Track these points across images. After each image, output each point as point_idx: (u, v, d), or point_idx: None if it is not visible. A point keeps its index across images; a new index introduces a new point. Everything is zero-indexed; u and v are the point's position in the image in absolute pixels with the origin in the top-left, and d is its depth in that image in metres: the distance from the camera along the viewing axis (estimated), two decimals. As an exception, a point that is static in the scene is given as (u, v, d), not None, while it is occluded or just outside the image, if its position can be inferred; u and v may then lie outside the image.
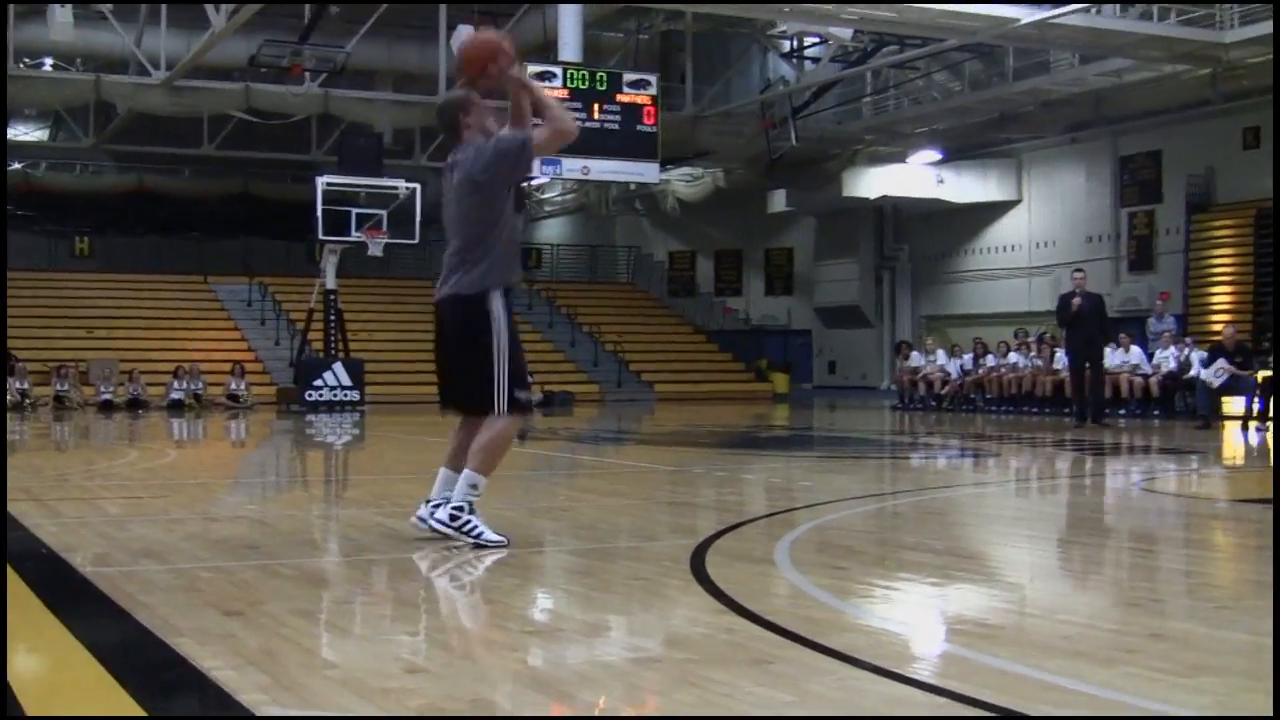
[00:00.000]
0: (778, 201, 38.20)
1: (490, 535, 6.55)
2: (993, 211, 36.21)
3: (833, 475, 12.23)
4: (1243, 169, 29.61)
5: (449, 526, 6.56)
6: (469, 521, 6.55)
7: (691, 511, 9.23)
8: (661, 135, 27.99)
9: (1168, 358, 23.38)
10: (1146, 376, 23.26)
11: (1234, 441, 17.50)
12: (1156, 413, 22.74)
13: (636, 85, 27.23)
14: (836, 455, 15.18)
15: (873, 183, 35.62)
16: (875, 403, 30.63)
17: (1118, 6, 24.50)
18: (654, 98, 27.29)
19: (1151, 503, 9.96)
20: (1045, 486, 11.72)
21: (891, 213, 39.09)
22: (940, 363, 28.02)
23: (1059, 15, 23.53)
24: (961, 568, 6.39)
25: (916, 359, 28.77)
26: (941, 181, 35.62)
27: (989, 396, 26.45)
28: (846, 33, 27.74)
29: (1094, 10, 23.90)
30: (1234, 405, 20.76)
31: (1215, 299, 29.54)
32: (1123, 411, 22.78)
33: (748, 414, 26.49)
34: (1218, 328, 25.68)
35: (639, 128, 27.15)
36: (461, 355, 6.65)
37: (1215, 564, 7.01)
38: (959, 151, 35.18)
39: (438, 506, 6.67)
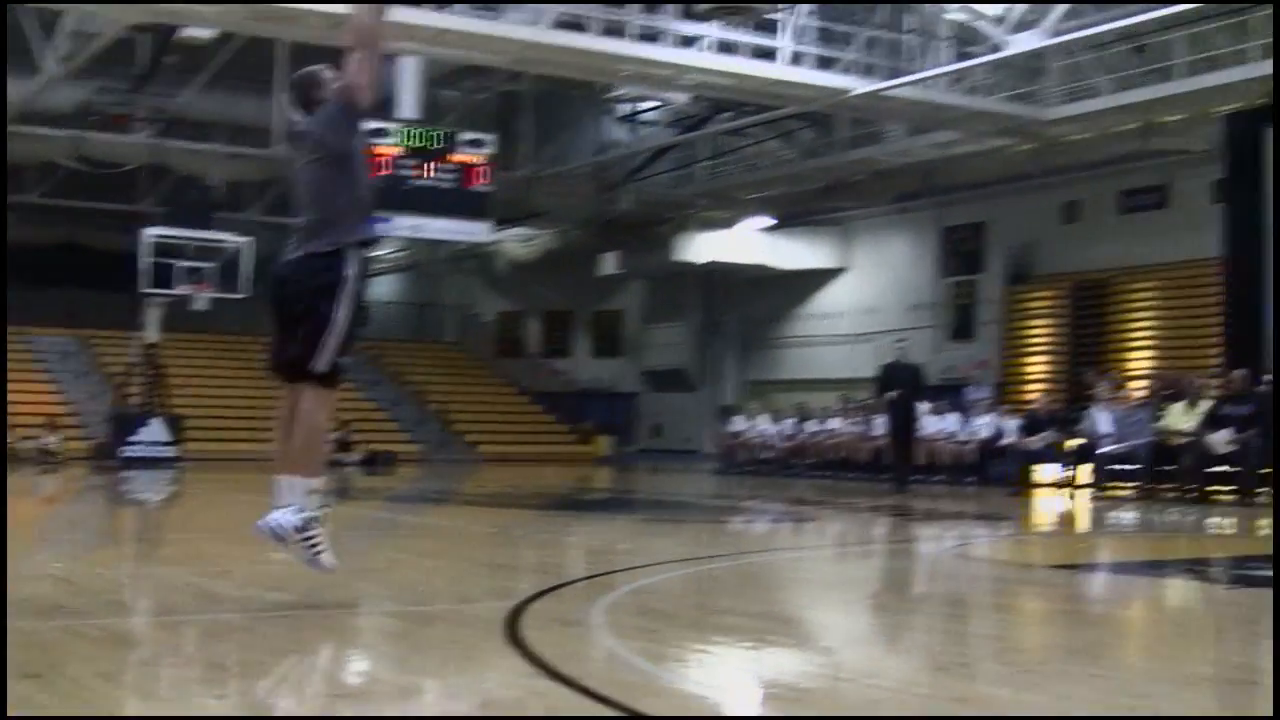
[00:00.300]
0: (609, 264, 38.33)
1: (328, 561, 6.45)
2: (819, 278, 36.75)
3: (652, 538, 12.27)
4: (1061, 242, 30.55)
5: (299, 534, 6.37)
6: (317, 537, 6.42)
7: (510, 573, 9.19)
8: (496, 195, 27.99)
9: (983, 425, 23.85)
10: (962, 443, 23.70)
11: (1045, 508, 17.98)
12: (970, 479, 23.10)
13: (472, 145, 27.23)
14: (657, 519, 15.21)
15: (702, 247, 35.93)
16: (698, 467, 30.80)
17: (945, 80, 25.02)
18: (489, 157, 27.29)
19: (964, 568, 10.16)
20: (860, 551, 11.90)
21: (720, 277, 39.40)
22: (763, 428, 28.29)
23: (891, 87, 24.04)
24: (776, 632, 6.46)
25: (739, 423, 29.04)
26: (770, 248, 36.06)
27: (810, 461, 26.69)
28: (684, 98, 27.99)
29: (925, 84, 24.44)
30: (1044, 473, 21.38)
31: (1030, 368, 30.33)
32: (939, 478, 23.14)
33: (570, 476, 26.44)
34: (1032, 397, 26.40)
35: (472, 187, 27.12)
36: (303, 310, 6.45)
37: (1023, 628, 7.17)
38: (789, 218, 35.63)
39: (282, 510, 6.45)
